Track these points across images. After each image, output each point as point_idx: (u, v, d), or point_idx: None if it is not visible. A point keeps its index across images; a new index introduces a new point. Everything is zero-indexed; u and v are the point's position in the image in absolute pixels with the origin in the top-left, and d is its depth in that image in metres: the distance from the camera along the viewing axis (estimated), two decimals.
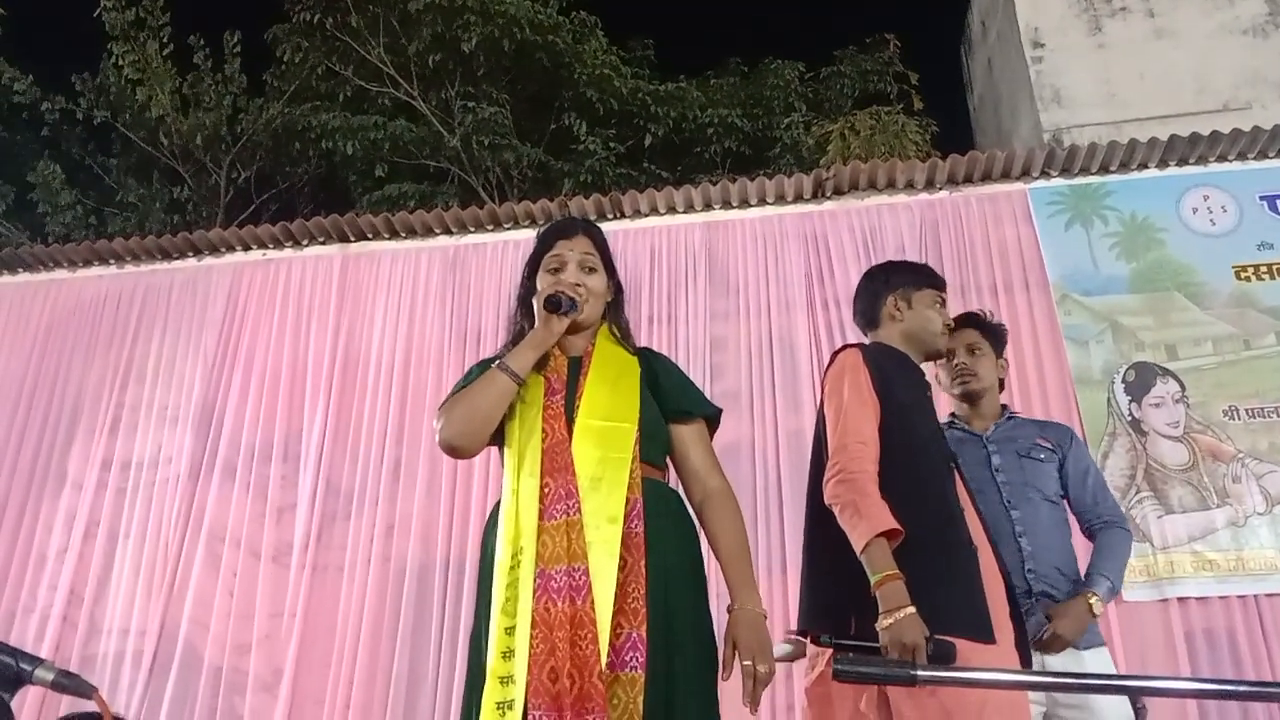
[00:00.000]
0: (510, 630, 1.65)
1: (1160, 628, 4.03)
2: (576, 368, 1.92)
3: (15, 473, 5.07)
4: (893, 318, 2.36)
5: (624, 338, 2.02)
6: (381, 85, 9.96)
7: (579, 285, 1.93)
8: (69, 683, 1.20)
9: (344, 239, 5.47)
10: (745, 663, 1.69)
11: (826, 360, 2.40)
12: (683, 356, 4.67)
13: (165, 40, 9.82)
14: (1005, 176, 5.05)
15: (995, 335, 2.78)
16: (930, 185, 5.11)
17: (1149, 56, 7.24)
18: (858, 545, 1.96)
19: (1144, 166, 5.01)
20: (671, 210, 5.25)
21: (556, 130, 10.06)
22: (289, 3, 9.98)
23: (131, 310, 5.42)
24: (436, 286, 5.20)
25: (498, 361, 1.88)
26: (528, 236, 4.68)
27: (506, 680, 1.61)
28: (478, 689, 1.66)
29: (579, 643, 1.61)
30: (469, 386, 1.91)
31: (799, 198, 5.18)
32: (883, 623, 1.86)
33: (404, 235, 5.43)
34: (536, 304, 1.92)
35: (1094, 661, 2.45)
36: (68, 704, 3.02)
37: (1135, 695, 2.19)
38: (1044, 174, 5.05)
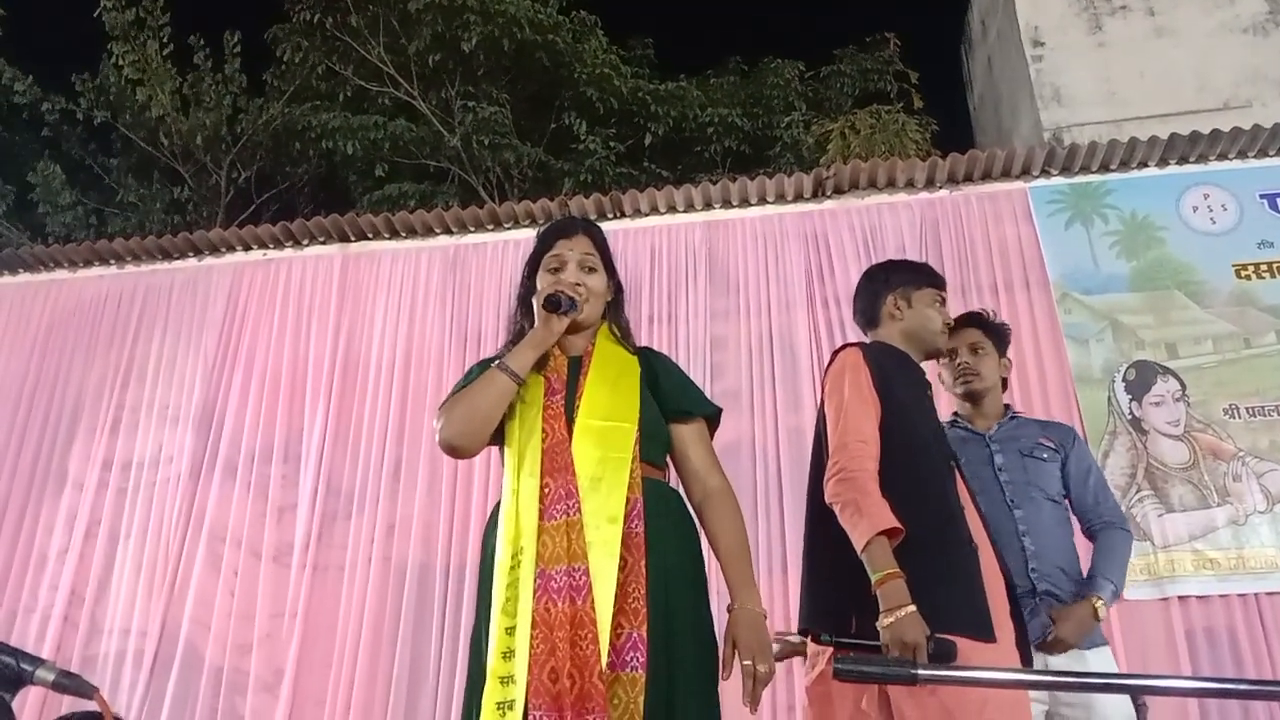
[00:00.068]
0: (510, 630, 1.65)
1: (1161, 626, 4.03)
2: (576, 368, 1.92)
3: (16, 473, 5.07)
4: (893, 317, 2.36)
5: (624, 337, 2.02)
6: (381, 85, 9.96)
7: (579, 285, 1.93)
8: (70, 683, 1.20)
9: (344, 239, 5.47)
10: (745, 662, 1.69)
11: (827, 359, 2.40)
12: (683, 355, 4.67)
13: (165, 40, 9.82)
14: (1005, 175, 5.05)
15: (998, 334, 2.78)
16: (930, 184, 5.10)
17: (1149, 55, 7.24)
18: (858, 544, 1.96)
19: (1144, 165, 5.01)
20: (671, 209, 5.24)
21: (556, 130, 10.06)
22: (289, 2, 9.98)
23: (132, 310, 5.42)
24: (437, 286, 5.20)
25: (497, 361, 1.88)
26: (528, 236, 4.68)
27: (507, 680, 1.61)
28: (478, 689, 1.66)
29: (579, 643, 1.61)
30: (469, 386, 1.91)
31: (799, 197, 5.18)
32: (884, 621, 1.86)
33: (404, 235, 5.43)
34: (536, 303, 1.92)
35: (1097, 661, 2.45)
36: (68, 704, 3.02)
37: (1136, 694, 2.19)
38: (1044, 173, 5.05)
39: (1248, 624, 4.01)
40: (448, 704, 4.20)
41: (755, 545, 4.16)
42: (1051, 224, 4.87)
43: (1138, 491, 4.27)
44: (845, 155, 8.15)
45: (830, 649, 1.99)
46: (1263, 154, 4.96)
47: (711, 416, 2.01)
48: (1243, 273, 4.68)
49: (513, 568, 1.71)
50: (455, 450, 1.87)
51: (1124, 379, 4.51)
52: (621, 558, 1.68)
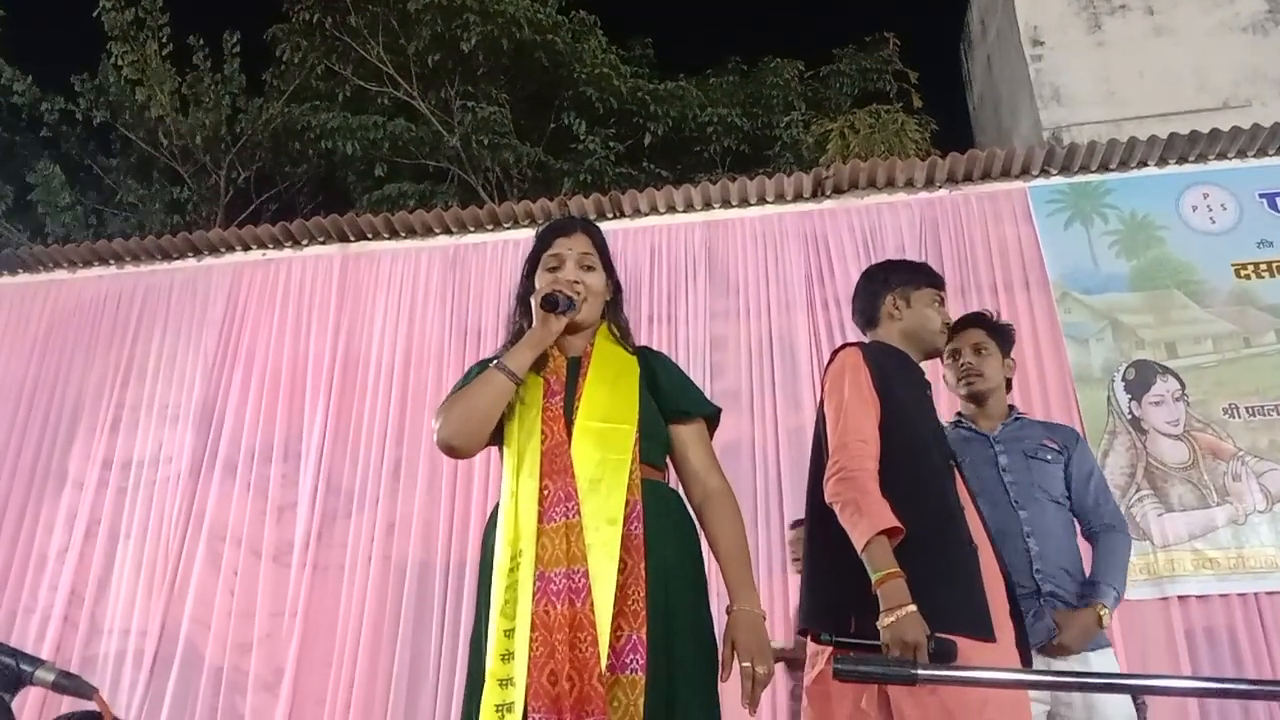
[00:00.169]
0: (509, 633, 1.65)
1: (1161, 626, 4.03)
2: (575, 369, 1.91)
3: (16, 473, 5.08)
4: (892, 316, 2.36)
5: (623, 337, 2.01)
6: (381, 85, 9.96)
7: (577, 283, 1.92)
8: (69, 683, 1.19)
9: (344, 239, 5.47)
10: (744, 664, 1.69)
11: (826, 359, 2.40)
12: (683, 356, 4.67)
13: (164, 40, 9.82)
14: (1005, 175, 5.05)
15: (1001, 335, 2.77)
16: (930, 184, 5.11)
17: (1148, 54, 7.24)
18: (858, 543, 1.96)
19: (1144, 165, 5.01)
20: (671, 209, 5.24)
21: (556, 129, 10.06)
22: (288, 2, 9.97)
23: (131, 310, 5.42)
24: (436, 286, 5.20)
25: (495, 361, 1.88)
26: (527, 236, 4.68)
27: (506, 683, 1.61)
28: (477, 691, 1.66)
29: (578, 645, 1.61)
30: (466, 386, 1.90)
31: (798, 197, 5.18)
32: (884, 621, 1.86)
33: (404, 235, 5.43)
34: (534, 303, 1.91)
35: (1099, 662, 2.46)
36: (68, 704, 3.02)
37: (1136, 694, 2.19)
38: (1044, 172, 5.05)
39: (1247, 623, 4.01)
40: (448, 703, 4.20)
41: (755, 546, 4.16)
42: (1051, 224, 4.87)
43: (1137, 491, 4.27)
44: (845, 155, 8.15)
45: (830, 648, 1.99)
46: (1262, 153, 4.96)
47: (711, 416, 2.00)
48: (1242, 272, 4.68)
49: (511, 570, 1.70)
50: (453, 450, 1.87)
51: (1124, 378, 4.51)
52: (621, 560, 1.68)
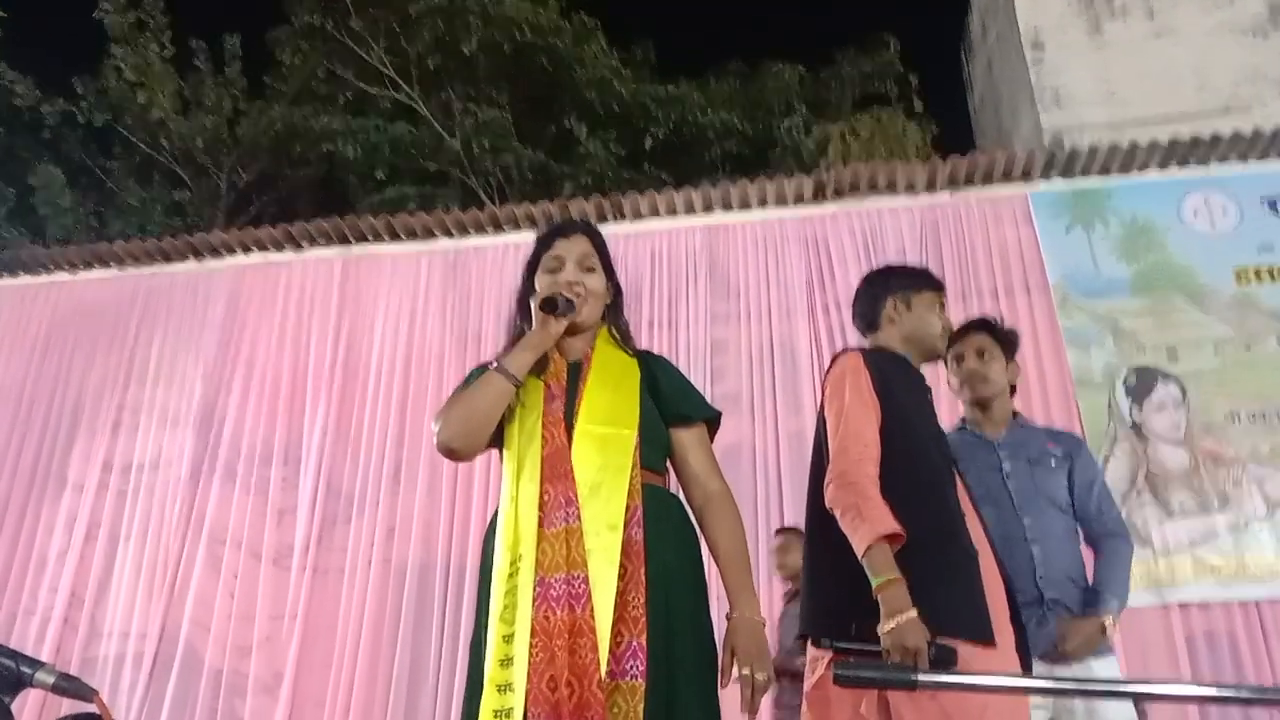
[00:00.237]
0: (508, 638, 1.64)
1: (1161, 632, 4.02)
2: (576, 373, 1.91)
3: (16, 475, 5.08)
4: (892, 321, 2.36)
5: (624, 340, 2.01)
6: (382, 88, 9.97)
7: (577, 284, 1.92)
8: (69, 685, 1.19)
9: (344, 241, 5.47)
10: (743, 671, 1.68)
11: (827, 363, 2.40)
12: (683, 359, 4.68)
13: (166, 43, 9.85)
14: (1006, 178, 5.05)
15: (1006, 340, 2.76)
16: (931, 187, 5.10)
17: (1149, 56, 7.24)
18: (859, 548, 1.95)
19: (1144, 169, 5.00)
20: (672, 212, 5.25)
21: (557, 133, 10.07)
22: (290, 6, 9.99)
23: (132, 312, 5.42)
24: (437, 289, 5.20)
25: (495, 364, 1.88)
26: (528, 239, 4.66)
27: (504, 688, 1.60)
28: (477, 695, 1.65)
29: (578, 651, 1.60)
30: (466, 389, 1.90)
31: (799, 200, 5.18)
32: (884, 626, 1.86)
33: (404, 238, 5.43)
34: (533, 305, 1.91)
35: (1102, 669, 2.45)
36: (68, 706, 3.02)
37: (1136, 700, 2.18)
38: (1045, 176, 5.05)
39: (1248, 630, 4.00)
40: (447, 706, 4.20)
41: (755, 550, 4.15)
42: (1052, 227, 4.87)
43: (1138, 496, 4.26)
44: (846, 158, 8.16)
45: (830, 653, 1.99)
46: (1264, 158, 4.96)
47: (711, 420, 1.99)
48: (1244, 276, 4.67)
49: (510, 575, 1.70)
50: (453, 453, 1.86)
51: (1125, 383, 4.51)
52: (621, 565, 1.67)
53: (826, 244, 5.00)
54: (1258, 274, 4.67)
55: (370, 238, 5.46)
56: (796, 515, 4.09)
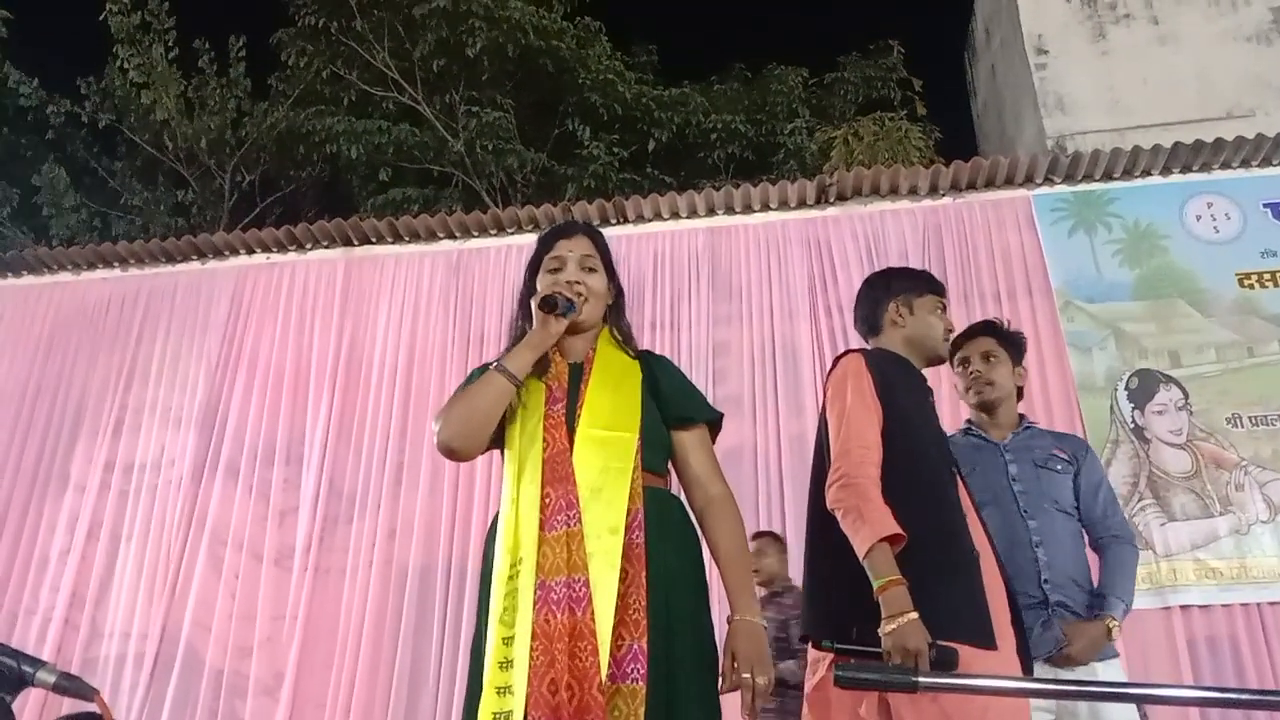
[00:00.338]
0: (508, 641, 1.64)
1: (1163, 635, 4.02)
2: (578, 374, 1.90)
3: (18, 475, 5.08)
4: (894, 324, 2.36)
5: (625, 341, 2.01)
6: (386, 89, 9.98)
7: (578, 284, 1.92)
8: (70, 685, 1.19)
9: (347, 243, 5.48)
10: (744, 675, 1.68)
11: (829, 365, 2.40)
12: (685, 361, 4.68)
13: (170, 44, 9.86)
14: (1009, 183, 5.06)
15: (1012, 343, 2.76)
16: (934, 191, 5.11)
17: (1152, 62, 7.24)
18: (860, 550, 1.95)
19: (1147, 173, 5.01)
20: (675, 216, 5.25)
21: (560, 135, 10.07)
22: (294, 7, 10.01)
23: (135, 313, 5.43)
24: (439, 290, 5.21)
25: (495, 363, 1.88)
26: (531, 241, 4.68)
27: (504, 691, 1.60)
28: (477, 698, 1.65)
29: (578, 654, 1.60)
30: (467, 388, 1.90)
31: (802, 203, 5.18)
32: (885, 628, 1.86)
33: (407, 239, 5.44)
34: (534, 305, 1.91)
35: (1107, 673, 2.45)
36: (68, 706, 3.02)
37: (1138, 703, 2.18)
38: (1047, 180, 5.05)
39: (1250, 633, 4.00)
40: (448, 707, 4.20)
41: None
42: (1054, 232, 4.87)
43: (1140, 500, 4.26)
44: (848, 162, 8.16)
45: (831, 655, 1.99)
46: (1266, 163, 4.96)
47: (713, 422, 1.99)
48: (1246, 281, 4.67)
49: (511, 577, 1.69)
50: (453, 452, 1.86)
51: (1127, 387, 4.51)
52: (622, 568, 1.66)
53: (829, 246, 5.00)
54: (1260, 279, 4.67)
55: (373, 239, 5.46)
56: (797, 517, 4.09)
